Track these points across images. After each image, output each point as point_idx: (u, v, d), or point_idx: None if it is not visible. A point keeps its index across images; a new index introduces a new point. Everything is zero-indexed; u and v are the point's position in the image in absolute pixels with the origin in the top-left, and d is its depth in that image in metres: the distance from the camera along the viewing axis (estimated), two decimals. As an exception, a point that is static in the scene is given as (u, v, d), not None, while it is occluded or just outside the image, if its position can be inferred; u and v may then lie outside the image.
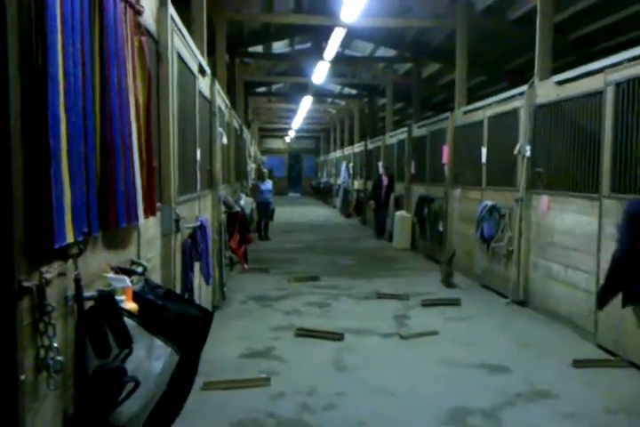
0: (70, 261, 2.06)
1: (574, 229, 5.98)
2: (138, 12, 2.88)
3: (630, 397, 4.25)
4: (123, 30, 2.59)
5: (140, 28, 2.96)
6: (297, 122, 31.47)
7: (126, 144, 2.59)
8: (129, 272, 2.59)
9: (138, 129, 2.81)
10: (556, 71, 6.75)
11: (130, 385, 2.07)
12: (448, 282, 8.27)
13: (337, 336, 5.60)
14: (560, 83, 6.37)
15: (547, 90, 6.71)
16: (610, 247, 5.20)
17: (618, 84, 5.24)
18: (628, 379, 4.65)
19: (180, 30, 4.28)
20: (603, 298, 4.16)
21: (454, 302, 7.14)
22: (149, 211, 3.12)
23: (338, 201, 23.07)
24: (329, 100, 27.18)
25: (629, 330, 4.94)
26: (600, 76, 5.52)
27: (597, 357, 5.16)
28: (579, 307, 5.87)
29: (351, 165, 21.49)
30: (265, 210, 13.93)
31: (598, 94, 5.58)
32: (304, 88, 22.17)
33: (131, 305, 2.29)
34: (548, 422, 3.82)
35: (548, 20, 7.26)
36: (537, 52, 7.26)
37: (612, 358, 5.10)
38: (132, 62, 2.76)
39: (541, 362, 5.03)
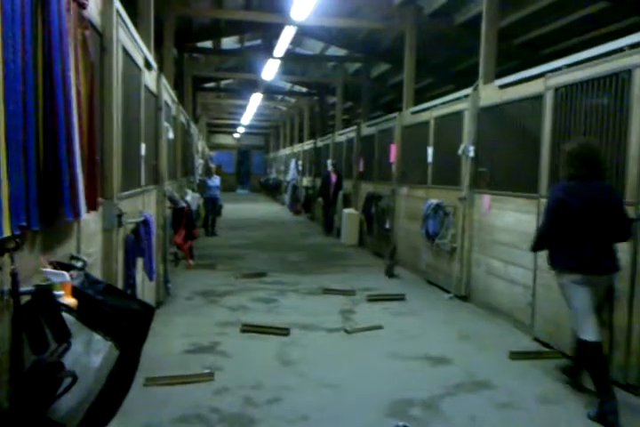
0: (7, 255, 2.03)
1: (514, 227, 6.19)
2: (82, 6, 2.83)
3: (562, 387, 4.44)
4: (66, 23, 2.55)
5: (83, 22, 2.91)
6: (246, 118, 31.29)
7: (70, 136, 2.55)
8: (68, 267, 2.55)
9: (80, 122, 2.77)
10: (501, 74, 6.95)
11: (67, 380, 2.05)
12: (390, 273, 8.87)
13: (283, 331, 5.64)
14: (502, 86, 6.58)
15: (490, 93, 6.91)
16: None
17: (557, 89, 5.46)
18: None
19: (125, 24, 4.22)
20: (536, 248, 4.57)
21: (399, 297, 7.29)
22: (91, 205, 3.08)
23: (287, 198, 23.08)
24: (279, 97, 27.14)
25: (563, 323, 5.16)
26: (540, 81, 5.73)
27: (533, 349, 5.38)
28: (517, 301, 6.08)
29: (300, 162, 21.53)
30: (212, 206, 13.82)
31: (539, 98, 5.79)
32: (254, 85, 22.07)
33: (69, 300, 2.27)
34: (486, 412, 3.96)
35: (493, 26, 7.48)
36: (481, 57, 7.47)
37: (547, 349, 5.32)
38: (74, 55, 2.72)
39: (481, 354, 5.21)
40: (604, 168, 4.24)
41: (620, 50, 4.67)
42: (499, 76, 7.04)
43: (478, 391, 4.32)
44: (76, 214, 2.59)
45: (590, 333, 3.97)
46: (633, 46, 4.53)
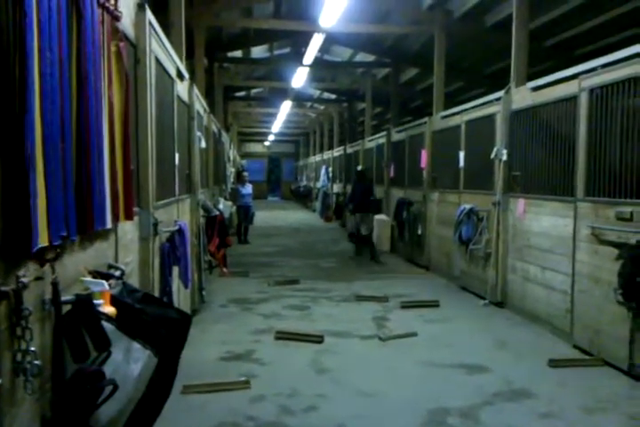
0: (47, 265, 2.06)
1: (550, 231, 6.07)
2: (116, 18, 2.88)
3: (606, 395, 4.32)
4: (100, 35, 2.59)
5: (117, 34, 2.96)
6: (276, 126, 31.47)
7: (101, 147, 2.59)
8: (107, 276, 2.58)
9: (112, 132, 2.80)
10: (534, 76, 6.86)
11: (108, 388, 2.06)
12: (377, 259, 9.80)
13: (317, 339, 5.62)
14: (535, 89, 6.48)
15: (522, 95, 6.82)
16: (585, 248, 5.31)
17: (592, 90, 5.35)
18: (603, 378, 4.73)
19: (158, 35, 4.28)
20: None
21: (433, 304, 7.21)
22: (127, 215, 3.12)
23: (317, 205, 23.10)
24: (308, 104, 27.24)
25: (604, 330, 5.04)
26: (574, 82, 5.63)
27: (573, 356, 5.25)
28: (555, 308, 5.96)
29: (330, 168, 21.54)
30: (245, 214, 13.91)
31: (573, 100, 5.69)
32: (283, 93, 22.19)
33: (109, 309, 2.29)
34: (526, 422, 3.88)
35: (524, 28, 7.39)
36: (513, 59, 7.38)
37: (588, 357, 5.19)
38: (108, 67, 2.76)
39: (519, 362, 5.11)
40: None
41: (658, 49, 4.57)
42: (531, 78, 6.95)
43: (517, 400, 4.23)
44: (106, 224, 2.63)
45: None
46: (671, 45, 4.43)
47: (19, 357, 1.86)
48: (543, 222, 6.24)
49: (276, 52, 18.35)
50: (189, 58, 9.80)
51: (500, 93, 7.26)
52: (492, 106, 7.51)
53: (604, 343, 5.04)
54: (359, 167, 15.10)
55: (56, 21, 2.04)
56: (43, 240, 1.90)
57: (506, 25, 8.72)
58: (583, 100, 5.47)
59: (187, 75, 6.18)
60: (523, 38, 7.35)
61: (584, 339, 5.37)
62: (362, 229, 11.14)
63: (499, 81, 12.58)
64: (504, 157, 7.10)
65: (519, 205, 6.82)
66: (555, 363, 4.97)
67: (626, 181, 4.86)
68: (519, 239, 6.83)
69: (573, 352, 5.39)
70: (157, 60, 4.34)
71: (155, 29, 4.12)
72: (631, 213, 4.67)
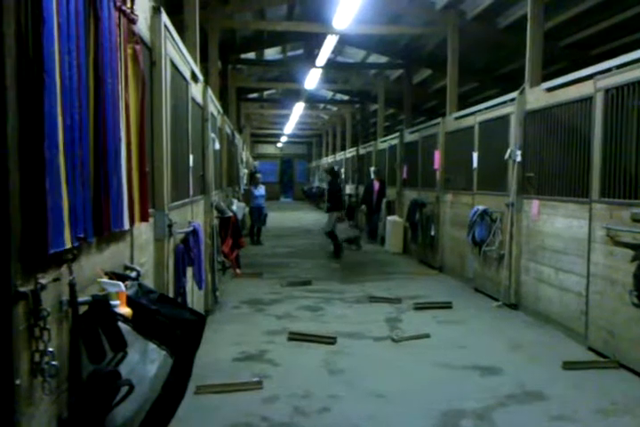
0: (65, 267, 2.08)
1: (564, 232, 6.04)
2: (132, 21, 2.91)
3: (621, 398, 4.29)
4: (117, 38, 2.62)
5: (134, 37, 2.99)
6: (289, 127, 31.51)
7: (118, 149, 2.62)
8: (122, 277, 2.61)
9: (127, 134, 2.83)
10: (548, 77, 6.82)
11: (124, 389, 2.09)
12: (358, 245, 11.36)
13: (330, 340, 5.63)
14: (550, 89, 6.45)
15: (537, 96, 6.78)
16: (599, 250, 5.27)
17: (607, 91, 5.31)
18: (618, 380, 4.70)
19: (173, 38, 4.31)
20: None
21: (446, 306, 7.19)
22: (143, 216, 3.14)
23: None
24: (321, 105, 27.25)
25: (619, 332, 5.00)
26: (590, 83, 5.59)
27: (588, 358, 5.21)
28: (569, 309, 5.92)
29: (343, 170, 21.53)
30: (258, 215, 13.95)
31: (588, 100, 5.65)
32: (296, 94, 22.23)
33: (125, 310, 2.31)
34: (539, 424, 3.86)
35: (539, 28, 7.34)
36: (527, 60, 7.33)
37: (602, 359, 5.15)
38: (124, 69, 2.79)
39: (532, 364, 5.08)
40: None
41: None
42: (545, 78, 6.91)
43: (531, 402, 4.21)
44: (123, 225, 2.66)
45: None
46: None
47: (36, 357, 1.89)
48: (557, 224, 6.20)
49: (289, 54, 18.38)
50: (203, 60, 9.85)
51: (515, 94, 7.22)
52: (506, 107, 7.48)
53: (619, 345, 5.00)
54: (335, 167, 15.18)
55: (74, 24, 2.07)
56: (65, 242, 1.92)
57: (519, 26, 8.69)
58: (598, 101, 5.43)
59: (201, 77, 6.22)
60: (537, 38, 7.30)
61: (599, 341, 5.33)
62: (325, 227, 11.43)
63: (512, 82, 12.53)
64: (518, 158, 7.07)
65: (533, 206, 6.78)
66: (569, 365, 4.94)
67: (641, 182, 4.82)
68: (533, 241, 6.79)
69: (588, 354, 5.35)
70: (172, 63, 4.38)
71: (170, 32, 4.15)
72: (647, 215, 4.64)
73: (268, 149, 41.54)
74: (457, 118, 9.42)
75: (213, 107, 7.72)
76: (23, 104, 1.76)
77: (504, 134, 7.48)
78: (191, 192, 5.48)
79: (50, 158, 1.83)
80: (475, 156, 8.45)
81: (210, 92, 7.01)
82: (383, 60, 16.62)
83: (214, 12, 10.94)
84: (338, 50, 16.11)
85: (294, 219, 22.52)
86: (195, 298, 5.59)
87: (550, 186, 6.49)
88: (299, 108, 23.45)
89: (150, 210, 3.59)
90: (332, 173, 12.99)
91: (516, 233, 7.13)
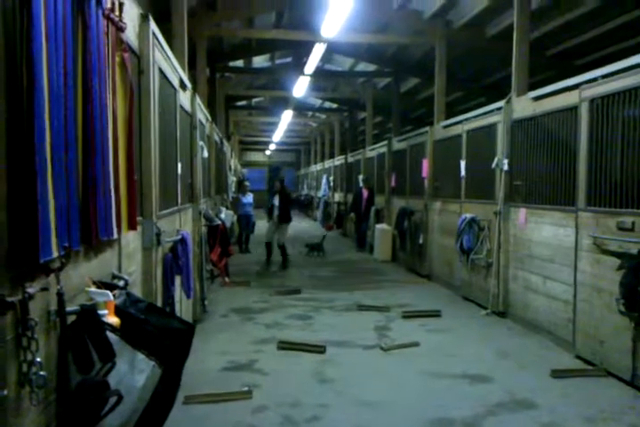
0: (52, 276, 2.06)
1: (551, 241, 6.08)
2: (120, 29, 2.91)
3: (608, 406, 4.30)
4: (105, 46, 2.62)
5: (122, 44, 2.99)
6: (277, 135, 31.56)
7: (105, 157, 2.61)
8: (110, 286, 2.59)
9: (115, 142, 2.82)
10: (535, 86, 6.88)
11: (113, 399, 2.06)
12: (321, 251, 12.54)
13: (319, 349, 5.61)
14: (536, 98, 6.51)
15: (523, 105, 6.85)
16: (586, 258, 5.31)
17: (592, 100, 5.37)
18: (606, 388, 4.71)
19: (161, 45, 4.31)
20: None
21: (435, 314, 7.19)
22: (131, 224, 3.13)
23: (318, 214, 23.11)
24: (309, 113, 27.32)
25: (606, 340, 5.02)
26: (575, 93, 5.65)
27: (576, 366, 5.23)
28: (557, 317, 5.95)
29: (332, 178, 21.57)
30: (246, 223, 13.91)
31: (573, 110, 5.71)
32: (284, 102, 22.29)
33: (113, 319, 2.29)
34: (528, 432, 3.86)
35: (525, 37, 7.42)
36: (514, 69, 7.41)
37: (590, 367, 5.17)
38: (112, 77, 2.78)
39: (521, 372, 5.09)
40: None
41: (659, 59, 4.59)
42: (532, 87, 6.97)
43: (520, 411, 4.22)
44: (110, 234, 2.64)
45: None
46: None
47: (24, 368, 1.87)
48: (544, 232, 6.25)
49: (278, 62, 18.44)
50: (191, 68, 9.85)
51: (501, 103, 7.28)
52: (494, 115, 7.54)
53: (606, 353, 5.03)
54: (282, 176, 14.98)
55: (62, 32, 2.06)
56: (53, 251, 1.91)
57: (506, 35, 8.77)
58: (584, 111, 5.49)
59: (189, 85, 6.21)
60: (523, 48, 7.38)
61: (586, 349, 5.36)
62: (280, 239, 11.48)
63: (499, 90, 12.66)
64: (505, 167, 7.12)
65: (520, 214, 6.82)
66: (557, 373, 4.95)
67: (627, 191, 4.87)
68: (520, 249, 6.83)
69: (576, 362, 5.37)
70: (161, 71, 4.37)
71: (158, 40, 4.15)
72: (632, 223, 4.68)
73: (256, 157, 41.56)
74: (445, 127, 9.47)
75: (202, 114, 7.71)
76: (12, 111, 1.75)
77: (491, 143, 7.54)
78: (179, 200, 5.45)
79: (40, 166, 1.82)
80: (462, 164, 8.50)
81: (198, 99, 7.00)
82: (371, 68, 16.73)
83: (202, 20, 10.95)
84: (326, 58, 16.19)
85: (282, 227, 22.44)
86: (183, 307, 5.56)
87: (537, 194, 6.54)
88: (287, 116, 23.52)
89: (138, 218, 3.57)
90: (282, 182, 12.26)
91: (504, 241, 7.17)
